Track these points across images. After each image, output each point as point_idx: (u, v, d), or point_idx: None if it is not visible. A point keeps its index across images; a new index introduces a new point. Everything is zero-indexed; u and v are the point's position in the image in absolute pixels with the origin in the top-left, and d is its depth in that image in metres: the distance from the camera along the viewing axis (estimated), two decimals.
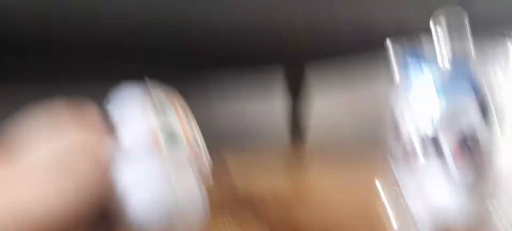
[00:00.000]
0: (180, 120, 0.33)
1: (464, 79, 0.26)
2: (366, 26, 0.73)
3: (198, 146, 0.34)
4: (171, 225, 0.26)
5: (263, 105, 1.20)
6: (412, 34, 0.31)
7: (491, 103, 0.26)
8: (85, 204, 0.24)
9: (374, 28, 0.74)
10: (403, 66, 0.28)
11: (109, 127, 0.30)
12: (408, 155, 0.28)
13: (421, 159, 0.27)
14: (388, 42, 0.29)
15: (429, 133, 0.27)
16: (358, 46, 0.96)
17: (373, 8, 0.74)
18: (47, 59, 0.95)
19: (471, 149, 0.26)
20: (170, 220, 0.26)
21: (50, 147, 0.25)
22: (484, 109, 0.26)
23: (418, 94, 0.28)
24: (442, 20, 0.28)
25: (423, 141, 0.27)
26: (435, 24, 0.28)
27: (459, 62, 0.27)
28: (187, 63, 1.05)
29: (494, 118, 0.26)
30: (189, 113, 0.36)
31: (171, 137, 0.31)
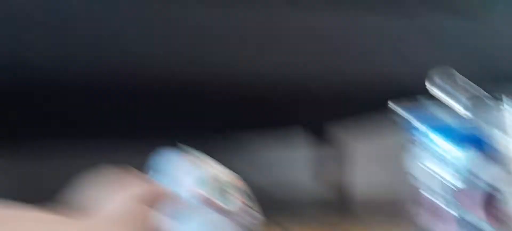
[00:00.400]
0: (226, 174, 0.34)
1: (475, 134, 0.27)
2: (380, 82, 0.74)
3: (249, 198, 0.35)
4: None
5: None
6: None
7: (505, 153, 0.27)
8: None
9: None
10: (410, 127, 0.29)
11: (156, 193, 0.32)
12: (435, 212, 0.28)
13: (450, 212, 0.27)
14: (391, 104, 0.30)
15: (454, 187, 0.27)
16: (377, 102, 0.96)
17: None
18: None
19: (496, 201, 0.26)
20: None
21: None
22: (499, 160, 0.26)
23: (434, 152, 0.28)
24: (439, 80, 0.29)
25: (448, 195, 0.27)
26: (432, 84, 0.29)
27: (467, 119, 0.27)
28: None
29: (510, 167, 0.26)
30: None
31: (220, 190, 0.32)
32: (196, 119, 1.11)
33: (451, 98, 0.29)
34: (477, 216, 0.26)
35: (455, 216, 0.27)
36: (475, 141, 0.27)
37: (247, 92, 0.72)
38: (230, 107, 0.87)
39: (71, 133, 1.30)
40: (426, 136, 0.29)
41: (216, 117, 1.02)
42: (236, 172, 0.39)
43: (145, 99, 0.83)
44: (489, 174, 0.26)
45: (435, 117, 0.28)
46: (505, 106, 0.28)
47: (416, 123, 0.29)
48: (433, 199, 0.29)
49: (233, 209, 0.32)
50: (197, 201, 0.32)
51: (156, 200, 0.30)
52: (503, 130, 0.27)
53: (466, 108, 0.29)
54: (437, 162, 0.28)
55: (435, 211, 0.29)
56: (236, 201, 0.33)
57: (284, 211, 0.77)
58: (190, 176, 0.33)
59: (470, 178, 0.27)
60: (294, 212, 0.74)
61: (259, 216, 0.37)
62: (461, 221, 0.27)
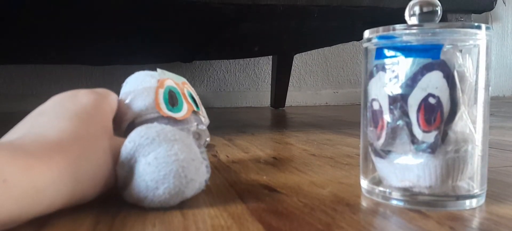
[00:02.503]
0: (179, 87, 0.36)
1: (431, 47, 0.28)
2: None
3: (197, 106, 0.37)
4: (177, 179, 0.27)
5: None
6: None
7: (455, 66, 0.27)
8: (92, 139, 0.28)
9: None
10: (379, 54, 0.29)
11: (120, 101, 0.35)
12: (376, 116, 0.30)
13: (387, 117, 0.29)
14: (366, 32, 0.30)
15: (396, 92, 0.28)
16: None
17: None
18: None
19: (434, 109, 0.27)
20: (176, 175, 0.27)
21: (64, 100, 0.30)
22: (448, 72, 0.27)
23: (388, 66, 0.29)
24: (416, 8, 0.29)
25: (389, 101, 0.28)
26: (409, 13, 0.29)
27: (427, 32, 0.28)
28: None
29: (456, 80, 0.27)
30: (190, 87, 0.39)
31: (170, 96, 0.34)
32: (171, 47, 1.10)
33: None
34: (412, 122, 0.28)
35: (388, 122, 0.28)
36: (419, 49, 0.28)
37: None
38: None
39: (55, 58, 1.27)
40: (387, 56, 0.29)
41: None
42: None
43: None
44: (427, 80, 0.27)
45: (400, 37, 0.28)
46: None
47: (383, 49, 0.30)
48: (374, 107, 0.30)
49: (180, 116, 0.34)
50: (150, 112, 0.33)
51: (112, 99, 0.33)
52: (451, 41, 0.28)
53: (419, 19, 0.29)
54: (387, 72, 0.29)
55: (373, 118, 0.30)
56: (185, 108, 0.35)
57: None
58: (145, 89, 0.34)
59: (408, 83, 0.28)
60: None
61: (206, 121, 0.39)
62: (395, 127, 0.28)
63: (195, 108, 0.36)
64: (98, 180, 0.27)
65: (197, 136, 0.37)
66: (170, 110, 0.34)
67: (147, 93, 0.34)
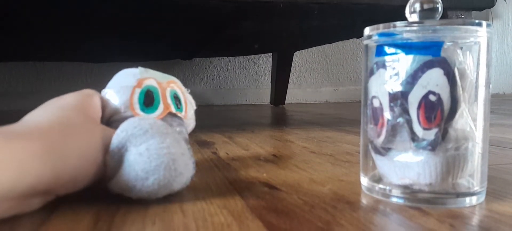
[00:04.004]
0: (161, 87, 0.36)
1: (432, 44, 0.28)
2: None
3: (179, 107, 0.37)
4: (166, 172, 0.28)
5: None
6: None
7: (455, 64, 0.27)
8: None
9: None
10: (380, 51, 0.29)
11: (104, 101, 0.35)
12: (376, 114, 0.30)
13: (387, 115, 0.29)
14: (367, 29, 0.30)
15: (396, 89, 0.28)
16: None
17: None
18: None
19: (435, 107, 0.27)
20: (165, 169, 0.28)
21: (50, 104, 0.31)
22: (448, 70, 0.27)
23: (388, 64, 0.29)
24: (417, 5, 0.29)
25: (389, 98, 0.28)
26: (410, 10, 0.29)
27: (428, 30, 0.28)
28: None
29: (457, 77, 0.27)
30: (180, 86, 0.39)
31: (147, 95, 0.34)
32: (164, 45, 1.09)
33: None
34: (412, 119, 0.27)
35: (389, 119, 0.28)
36: (420, 47, 0.28)
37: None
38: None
39: (54, 56, 1.27)
40: (388, 54, 0.29)
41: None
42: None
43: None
44: (428, 77, 0.27)
45: (401, 35, 0.28)
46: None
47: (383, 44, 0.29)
48: (374, 105, 0.30)
49: (153, 117, 0.34)
50: (123, 110, 0.34)
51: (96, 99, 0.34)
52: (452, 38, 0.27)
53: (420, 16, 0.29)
54: (387, 69, 0.29)
55: (373, 115, 0.30)
56: (160, 109, 0.35)
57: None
58: (122, 88, 0.34)
59: (408, 80, 0.27)
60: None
61: (190, 122, 0.39)
62: (395, 124, 0.28)
63: (173, 110, 0.36)
64: (87, 165, 0.27)
65: None
66: (142, 110, 0.34)
67: (123, 92, 0.34)
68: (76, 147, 0.27)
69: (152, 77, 0.36)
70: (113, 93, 0.35)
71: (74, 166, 0.26)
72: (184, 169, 0.29)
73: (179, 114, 0.37)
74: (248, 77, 2.01)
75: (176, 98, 0.37)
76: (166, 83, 0.37)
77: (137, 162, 0.27)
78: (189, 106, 0.39)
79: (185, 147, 0.30)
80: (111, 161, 0.28)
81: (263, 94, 2.02)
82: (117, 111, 0.34)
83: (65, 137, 0.26)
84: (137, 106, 0.34)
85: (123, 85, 0.35)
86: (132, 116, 0.33)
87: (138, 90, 0.34)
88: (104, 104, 0.34)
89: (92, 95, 0.34)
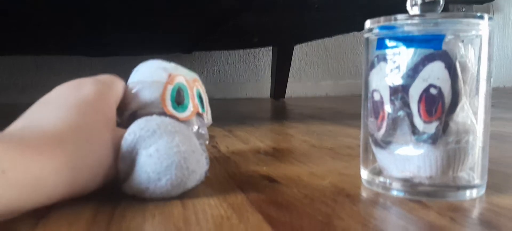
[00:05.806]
0: (189, 85, 0.35)
1: (433, 37, 0.27)
2: None
3: (203, 107, 0.36)
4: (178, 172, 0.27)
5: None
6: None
7: (457, 57, 0.27)
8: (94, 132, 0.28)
9: None
10: (381, 45, 0.29)
11: (127, 91, 0.34)
12: (377, 107, 0.30)
13: (388, 108, 0.28)
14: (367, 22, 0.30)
15: (397, 83, 0.28)
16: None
17: None
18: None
19: (435, 100, 0.27)
20: (177, 169, 0.27)
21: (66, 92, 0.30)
22: (449, 63, 0.27)
23: (389, 57, 0.29)
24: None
25: (390, 91, 0.28)
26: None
27: (429, 23, 0.28)
28: None
29: (458, 71, 0.27)
30: (200, 84, 0.39)
31: (178, 93, 0.33)
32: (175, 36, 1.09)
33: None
34: (413, 112, 0.27)
35: (389, 112, 0.28)
36: (421, 40, 0.27)
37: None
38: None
39: (54, 49, 1.26)
40: (389, 47, 0.29)
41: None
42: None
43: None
44: (429, 70, 0.27)
45: (402, 28, 0.28)
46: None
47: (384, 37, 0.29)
48: (375, 98, 0.30)
49: (183, 117, 0.33)
50: (154, 106, 0.33)
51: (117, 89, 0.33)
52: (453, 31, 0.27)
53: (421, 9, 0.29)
54: (388, 63, 0.29)
55: (373, 109, 0.30)
56: (189, 109, 0.34)
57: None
58: (154, 82, 0.34)
59: (409, 74, 0.27)
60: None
61: (209, 123, 0.39)
62: (396, 118, 0.28)
63: (200, 110, 0.36)
64: (98, 172, 0.27)
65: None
66: (174, 108, 0.33)
67: (156, 87, 0.33)
68: (90, 156, 0.26)
69: (181, 75, 0.36)
70: (144, 86, 0.33)
71: (88, 175, 0.26)
72: (196, 166, 0.29)
73: (203, 115, 0.37)
74: (248, 71, 2.01)
75: (200, 98, 0.37)
76: (192, 82, 0.37)
77: (147, 164, 0.27)
78: (208, 106, 0.39)
79: (196, 143, 0.29)
80: (122, 165, 0.28)
81: (263, 88, 2.02)
82: (146, 106, 0.33)
83: (80, 148, 0.26)
84: (169, 104, 0.33)
85: (155, 79, 0.34)
86: (162, 113, 0.32)
87: (170, 87, 0.34)
88: (130, 95, 0.33)
89: (112, 85, 0.32)
